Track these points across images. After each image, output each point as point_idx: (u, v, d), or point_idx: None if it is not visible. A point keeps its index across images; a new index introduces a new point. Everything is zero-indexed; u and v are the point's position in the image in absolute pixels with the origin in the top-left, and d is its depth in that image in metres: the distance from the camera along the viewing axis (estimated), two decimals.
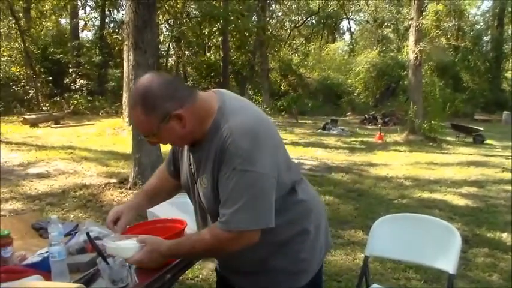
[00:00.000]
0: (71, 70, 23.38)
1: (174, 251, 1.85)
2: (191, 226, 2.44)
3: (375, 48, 33.61)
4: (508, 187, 8.81)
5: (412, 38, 17.12)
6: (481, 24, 36.19)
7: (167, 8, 22.98)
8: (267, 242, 1.83)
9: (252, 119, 1.81)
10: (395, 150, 13.95)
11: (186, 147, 1.99)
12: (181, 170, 2.07)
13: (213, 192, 1.80)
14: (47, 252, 2.11)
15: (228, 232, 1.72)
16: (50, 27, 27.65)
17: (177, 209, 2.47)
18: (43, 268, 2.06)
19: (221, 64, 29.06)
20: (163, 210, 2.53)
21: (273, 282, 1.95)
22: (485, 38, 35.47)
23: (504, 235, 5.93)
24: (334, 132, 18.39)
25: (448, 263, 2.58)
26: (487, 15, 36.05)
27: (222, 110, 1.80)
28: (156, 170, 2.32)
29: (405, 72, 24.01)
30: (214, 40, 30.44)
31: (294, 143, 14.30)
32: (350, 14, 39.79)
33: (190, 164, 1.94)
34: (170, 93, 1.74)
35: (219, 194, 1.76)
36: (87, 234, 2.13)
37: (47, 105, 21.52)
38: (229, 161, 1.70)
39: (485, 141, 16.43)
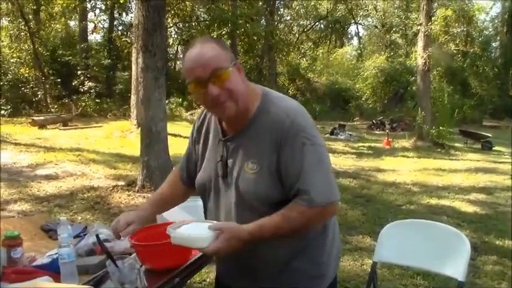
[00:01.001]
0: (79, 72, 23.42)
1: (257, 235, 1.76)
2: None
3: (383, 53, 33.49)
4: None
5: (420, 43, 17.10)
6: (490, 30, 36.01)
7: (176, 11, 23.01)
8: (292, 242, 1.85)
9: (296, 103, 1.88)
10: (403, 156, 13.93)
11: (211, 141, 2.00)
12: (202, 170, 2.03)
13: (263, 175, 1.78)
14: (56, 253, 2.11)
15: (314, 207, 1.72)
16: (59, 30, 27.72)
17: (186, 213, 2.47)
18: (52, 269, 2.07)
19: None
20: (172, 214, 2.52)
21: (294, 283, 1.92)
22: (494, 43, 35.34)
23: None
24: (342, 137, 18.37)
25: (456, 270, 2.57)
26: (496, 21, 35.88)
27: (267, 96, 1.87)
28: (170, 174, 2.31)
29: (413, 78, 23.95)
30: None
31: None
32: (358, 18, 39.71)
33: (221, 157, 1.91)
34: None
35: (275, 175, 1.77)
36: (97, 236, 2.13)
37: (56, 107, 21.58)
38: (295, 138, 1.74)
39: (493, 148, 16.37)
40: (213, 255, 1.86)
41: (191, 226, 1.85)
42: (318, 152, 1.77)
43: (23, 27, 22.24)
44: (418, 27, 17.77)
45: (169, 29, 24.14)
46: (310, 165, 1.73)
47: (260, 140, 1.80)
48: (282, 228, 1.75)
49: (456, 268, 2.57)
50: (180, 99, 25.76)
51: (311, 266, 1.91)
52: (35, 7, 23.24)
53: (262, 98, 1.86)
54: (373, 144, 16.58)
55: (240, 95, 1.80)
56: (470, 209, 7.73)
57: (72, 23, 28.79)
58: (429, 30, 16.68)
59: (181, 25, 25.79)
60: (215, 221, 1.86)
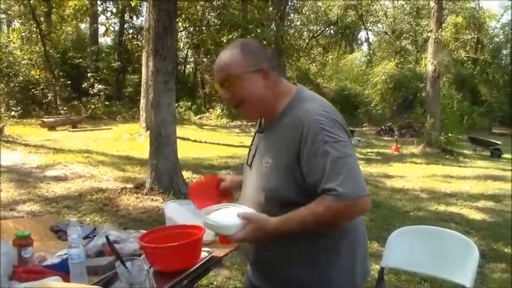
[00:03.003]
0: (89, 75, 23.52)
1: (281, 229, 1.77)
2: (209, 232, 2.45)
3: (392, 59, 33.44)
4: None
5: (430, 49, 17.06)
6: (501, 37, 35.86)
7: (187, 15, 23.09)
8: (327, 247, 1.86)
9: (328, 105, 1.90)
10: (412, 162, 13.89)
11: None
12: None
13: (278, 171, 1.81)
14: (65, 254, 2.13)
15: (341, 201, 1.69)
16: (70, 32, 27.88)
17: (195, 216, 2.48)
18: (62, 269, 2.08)
19: None
20: (181, 217, 2.54)
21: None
22: (504, 51, 35.14)
23: None
24: None
25: (464, 277, 2.56)
26: (507, 28, 35.64)
27: (300, 94, 1.92)
28: None
29: (423, 84, 23.90)
30: None
31: None
32: (368, 24, 39.68)
33: (250, 148, 2.00)
34: (264, 53, 1.93)
35: (290, 173, 1.78)
36: (107, 237, 2.15)
37: (65, 109, 21.68)
38: (316, 137, 1.74)
39: (502, 155, 16.28)
40: (239, 242, 1.91)
41: (222, 212, 1.91)
42: (341, 148, 1.74)
43: (34, 29, 22.38)
44: (428, 34, 17.73)
45: (179, 33, 24.22)
46: (334, 161, 1.71)
47: (281, 137, 1.83)
48: (308, 223, 1.74)
49: (464, 275, 2.57)
50: (189, 103, 25.85)
51: (345, 273, 1.91)
52: (46, 9, 23.40)
53: (294, 97, 1.90)
54: (381, 150, 16.55)
55: (255, 100, 1.84)
56: (478, 216, 7.70)
57: (83, 26, 29.00)
58: (439, 37, 16.63)
59: (191, 29, 25.87)
60: (246, 208, 1.89)
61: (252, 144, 2.06)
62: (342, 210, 1.71)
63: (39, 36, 22.09)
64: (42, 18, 23.35)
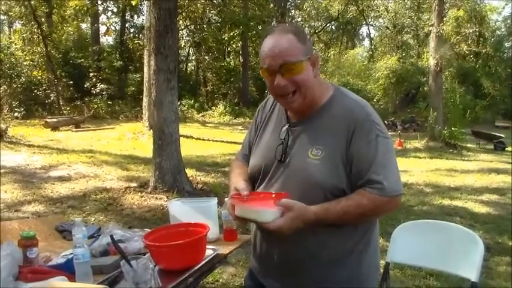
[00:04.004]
0: (91, 74, 23.56)
1: (321, 217, 1.76)
2: (213, 230, 2.46)
3: (394, 54, 33.40)
4: None
5: (432, 44, 17.05)
6: (503, 30, 35.72)
7: (187, 13, 23.08)
8: (340, 242, 1.86)
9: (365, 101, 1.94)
10: (415, 156, 13.88)
11: (272, 126, 2.03)
12: (256, 154, 2.05)
13: (330, 162, 1.79)
14: (71, 253, 2.14)
15: (385, 196, 1.75)
16: (71, 32, 27.92)
17: (199, 214, 2.48)
18: (67, 269, 2.09)
19: (241, 69, 29.15)
20: (185, 215, 2.54)
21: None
22: (506, 44, 35.03)
23: None
24: None
25: (470, 271, 2.55)
26: (509, 21, 35.49)
27: (341, 90, 1.95)
28: (232, 166, 2.22)
29: (425, 79, 23.88)
30: (234, 45, 30.55)
31: None
32: (370, 20, 39.59)
33: (283, 142, 1.91)
34: (311, 42, 1.94)
35: (340, 163, 1.78)
36: (111, 237, 2.16)
37: (68, 109, 21.69)
38: (370, 129, 1.79)
39: (506, 148, 16.25)
40: (275, 231, 1.77)
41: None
42: (390, 145, 1.83)
43: (35, 30, 22.40)
44: (430, 28, 17.70)
45: (180, 31, 24.22)
46: (383, 156, 1.77)
47: (330, 128, 1.83)
48: (350, 213, 1.75)
49: (469, 269, 2.56)
50: (192, 101, 25.85)
51: (351, 275, 1.89)
52: (47, 10, 23.38)
53: (335, 91, 1.92)
54: None
55: (309, 88, 1.83)
56: (483, 209, 7.69)
57: (84, 26, 29.06)
58: (441, 31, 16.61)
59: (192, 27, 25.88)
60: (288, 200, 1.78)
61: (275, 139, 1.96)
62: (383, 204, 1.77)
63: (40, 37, 22.11)
64: (43, 19, 23.37)
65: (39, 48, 22.69)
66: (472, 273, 2.54)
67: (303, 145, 1.86)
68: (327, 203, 1.76)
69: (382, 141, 1.78)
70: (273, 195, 1.80)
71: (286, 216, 1.73)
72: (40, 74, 22.20)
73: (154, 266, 2.01)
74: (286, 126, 1.94)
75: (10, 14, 24.61)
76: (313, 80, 1.83)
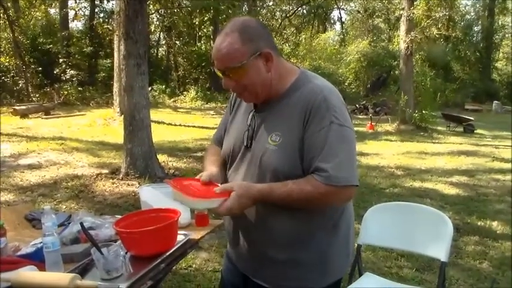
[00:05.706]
0: (61, 60, 23.22)
1: (265, 195, 1.77)
2: (184, 215, 2.45)
3: (365, 38, 33.54)
4: (498, 176, 8.88)
5: (403, 28, 17.13)
6: (472, 14, 36.21)
7: None
8: (298, 223, 1.86)
9: (331, 84, 1.91)
10: (387, 139, 14.01)
11: (242, 110, 2.03)
12: (227, 138, 2.07)
13: (287, 148, 1.78)
14: (40, 242, 2.11)
15: (331, 186, 1.70)
16: (39, 17, 27.41)
17: (170, 199, 2.47)
18: (37, 258, 2.06)
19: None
20: (156, 200, 2.52)
21: (298, 273, 1.91)
22: (475, 28, 35.55)
23: (494, 223, 5.99)
24: None
25: (439, 251, 2.60)
26: (478, 5, 36.01)
27: (305, 73, 1.92)
28: (207, 153, 2.23)
29: (396, 62, 24.04)
30: (204, 30, 30.35)
31: None
32: (341, 3, 39.58)
33: (249, 128, 1.92)
34: (265, 34, 1.85)
35: (297, 150, 1.77)
36: (81, 224, 2.13)
37: (37, 96, 21.34)
38: (324, 115, 1.75)
39: (475, 131, 16.52)
40: (227, 214, 1.86)
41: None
42: (344, 132, 1.76)
43: (1, 15, 21.89)
44: (401, 12, 17.81)
45: (151, 16, 23.93)
46: (333, 143, 1.73)
47: (289, 114, 1.81)
48: (292, 197, 1.74)
49: (439, 249, 2.61)
50: (163, 86, 25.67)
51: (316, 258, 1.90)
52: None
53: (299, 76, 1.89)
54: (356, 129, 16.20)
55: (258, 86, 1.82)
56: (452, 191, 7.81)
57: (52, 11, 28.49)
58: (411, 15, 16.68)
59: (163, 12, 25.58)
60: (230, 183, 1.87)
61: (242, 125, 1.99)
62: (328, 194, 1.72)
63: (7, 22, 21.62)
64: (9, 4, 22.84)
65: (5, 34, 22.23)
66: (441, 253, 2.59)
67: (264, 131, 1.86)
68: (274, 183, 1.77)
69: (335, 129, 1.74)
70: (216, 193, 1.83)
71: (231, 196, 1.77)
72: (7, 61, 21.80)
73: (126, 252, 1.99)
74: (253, 112, 1.94)
75: None
76: (266, 76, 1.81)
